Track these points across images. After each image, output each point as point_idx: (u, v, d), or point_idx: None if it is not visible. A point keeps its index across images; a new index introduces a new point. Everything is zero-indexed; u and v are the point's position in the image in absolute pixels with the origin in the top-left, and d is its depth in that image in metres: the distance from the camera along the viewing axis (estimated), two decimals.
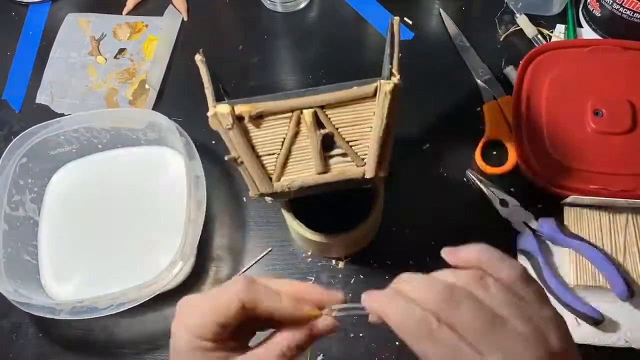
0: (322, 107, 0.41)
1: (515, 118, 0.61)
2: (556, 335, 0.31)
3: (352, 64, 0.70)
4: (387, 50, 0.44)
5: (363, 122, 0.43)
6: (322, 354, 0.55)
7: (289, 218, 0.54)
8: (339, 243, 0.55)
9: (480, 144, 0.63)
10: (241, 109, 0.41)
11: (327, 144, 0.44)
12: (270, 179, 0.45)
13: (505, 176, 0.61)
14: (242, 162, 0.44)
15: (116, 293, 0.52)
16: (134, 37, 0.75)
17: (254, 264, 0.60)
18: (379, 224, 0.59)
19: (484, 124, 0.64)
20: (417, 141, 0.65)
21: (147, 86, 0.70)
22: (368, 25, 0.74)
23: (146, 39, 0.75)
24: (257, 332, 0.38)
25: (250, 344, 0.37)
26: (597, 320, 0.52)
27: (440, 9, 0.73)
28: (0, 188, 0.59)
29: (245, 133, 0.42)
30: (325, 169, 0.45)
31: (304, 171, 0.45)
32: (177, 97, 0.70)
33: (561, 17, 0.71)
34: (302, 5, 0.76)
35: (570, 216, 0.57)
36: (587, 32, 0.70)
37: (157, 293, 0.52)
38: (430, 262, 0.58)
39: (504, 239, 0.58)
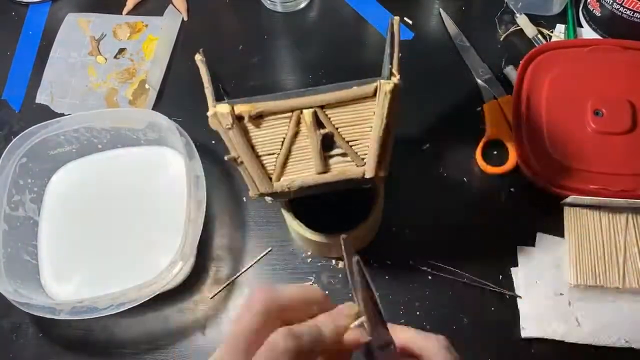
0: (322, 107, 0.41)
1: (515, 118, 0.61)
2: None
3: (352, 64, 0.70)
4: (387, 50, 0.44)
5: (363, 122, 0.43)
6: None
7: (289, 218, 0.54)
8: (339, 243, 0.55)
9: (481, 144, 0.63)
10: (241, 108, 0.41)
11: (327, 143, 0.44)
12: (270, 179, 0.45)
13: (506, 176, 0.61)
14: (242, 162, 0.44)
15: (116, 293, 0.52)
16: (134, 37, 0.75)
17: (254, 264, 0.60)
18: (379, 224, 0.59)
19: (484, 123, 0.64)
20: (417, 141, 0.65)
21: (147, 86, 0.70)
22: (368, 25, 0.74)
23: (146, 38, 0.75)
24: None
25: None
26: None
27: (440, 9, 0.73)
28: (0, 188, 0.59)
29: (245, 133, 0.42)
30: (325, 168, 0.45)
31: (304, 171, 0.45)
32: (177, 97, 0.70)
33: (561, 17, 0.71)
34: (302, 5, 0.76)
35: (570, 216, 0.57)
36: (587, 32, 0.70)
37: (157, 293, 0.52)
38: (430, 263, 0.58)
39: (504, 239, 0.58)
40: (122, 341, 0.57)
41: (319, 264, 0.59)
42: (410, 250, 0.59)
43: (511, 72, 0.67)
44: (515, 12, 0.71)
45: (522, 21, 0.70)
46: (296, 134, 0.43)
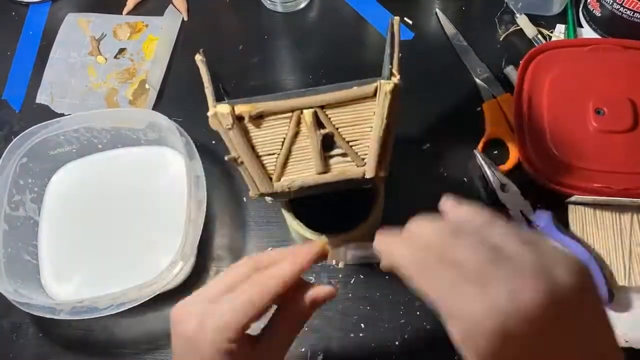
0: (322, 107, 0.41)
1: (517, 117, 0.61)
2: (566, 271, 0.28)
3: (352, 64, 0.70)
4: (387, 50, 0.44)
5: (363, 122, 0.42)
6: (322, 354, 0.55)
7: (289, 218, 0.54)
8: (339, 243, 0.55)
9: (481, 143, 0.63)
10: (241, 109, 0.41)
11: (327, 144, 0.44)
12: (270, 179, 0.45)
13: (507, 174, 0.61)
14: (242, 162, 0.44)
15: (116, 293, 0.52)
16: (134, 37, 0.75)
17: None
18: (379, 224, 0.59)
19: (484, 123, 0.64)
20: (417, 141, 0.65)
21: (147, 86, 0.70)
22: (368, 25, 0.74)
23: (146, 38, 0.75)
24: None
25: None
26: None
27: (437, 10, 0.73)
28: (0, 188, 0.59)
29: (245, 133, 0.42)
30: (326, 169, 0.45)
31: (304, 171, 0.45)
32: (177, 97, 0.70)
33: (561, 17, 0.71)
34: (302, 5, 0.76)
35: (574, 215, 0.57)
36: (587, 32, 0.70)
37: (158, 293, 0.52)
38: None
39: None
40: (122, 341, 0.57)
41: (319, 264, 0.59)
42: None
43: (511, 72, 0.67)
44: (515, 12, 0.71)
45: (522, 21, 0.70)
46: (296, 134, 0.43)
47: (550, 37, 0.70)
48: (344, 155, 0.44)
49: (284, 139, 0.43)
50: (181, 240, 0.53)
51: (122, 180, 0.64)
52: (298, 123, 0.42)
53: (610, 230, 0.57)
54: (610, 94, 0.61)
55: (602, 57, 0.63)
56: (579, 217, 0.57)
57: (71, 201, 0.64)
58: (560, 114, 0.61)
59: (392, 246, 0.33)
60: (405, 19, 0.73)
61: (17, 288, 0.54)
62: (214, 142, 0.65)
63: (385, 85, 0.40)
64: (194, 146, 0.59)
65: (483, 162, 0.60)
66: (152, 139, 0.64)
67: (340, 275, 0.59)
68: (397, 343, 0.55)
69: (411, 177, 0.62)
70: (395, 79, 0.40)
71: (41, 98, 0.71)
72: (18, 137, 0.61)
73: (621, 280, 0.54)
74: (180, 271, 0.53)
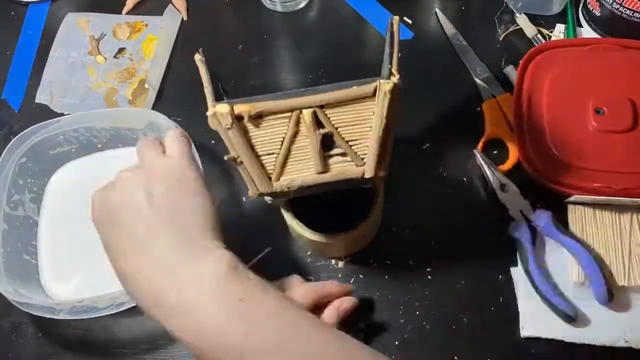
0: (321, 106, 0.41)
1: (516, 117, 0.61)
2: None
3: (351, 63, 0.70)
4: (387, 50, 0.44)
5: (363, 122, 0.42)
6: None
7: (289, 218, 0.54)
8: (339, 243, 0.55)
9: (481, 143, 0.63)
10: (240, 108, 0.41)
11: (327, 143, 0.44)
12: (270, 178, 0.45)
13: (507, 174, 0.61)
14: (241, 162, 0.44)
15: (116, 293, 0.52)
16: (134, 36, 0.75)
17: (253, 263, 0.60)
18: (379, 224, 0.59)
19: (483, 123, 0.64)
20: (417, 141, 0.65)
21: (146, 86, 0.70)
22: (368, 25, 0.74)
23: (146, 38, 0.75)
24: None
25: None
26: (570, 318, 0.52)
27: (437, 9, 0.73)
28: None
29: (245, 133, 0.42)
30: (325, 168, 0.45)
31: (303, 171, 0.45)
32: (177, 97, 0.70)
33: (561, 17, 0.71)
34: (302, 5, 0.76)
35: (574, 215, 0.57)
36: (587, 32, 0.70)
37: None
38: (431, 262, 0.58)
39: (504, 239, 0.58)
40: (122, 341, 0.57)
41: (319, 264, 0.59)
42: (410, 250, 0.59)
43: (511, 71, 0.67)
44: (515, 11, 0.71)
45: (522, 21, 0.70)
46: (296, 133, 0.43)
47: (549, 37, 0.70)
48: (343, 155, 0.44)
49: (284, 138, 0.43)
50: None
51: None
52: (297, 123, 0.42)
53: (609, 230, 0.57)
54: (610, 93, 0.61)
55: (601, 57, 0.63)
56: (579, 217, 0.57)
57: (71, 201, 0.64)
58: (560, 113, 0.61)
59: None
60: (405, 18, 0.73)
61: (16, 288, 0.54)
62: (213, 141, 0.65)
63: (385, 85, 0.40)
64: (193, 146, 0.58)
65: (483, 162, 0.60)
66: None
67: (340, 275, 0.58)
68: (397, 343, 0.55)
69: (411, 177, 0.62)
70: (395, 78, 0.40)
71: (40, 98, 0.71)
72: (17, 136, 0.61)
73: (621, 280, 0.54)
74: None
